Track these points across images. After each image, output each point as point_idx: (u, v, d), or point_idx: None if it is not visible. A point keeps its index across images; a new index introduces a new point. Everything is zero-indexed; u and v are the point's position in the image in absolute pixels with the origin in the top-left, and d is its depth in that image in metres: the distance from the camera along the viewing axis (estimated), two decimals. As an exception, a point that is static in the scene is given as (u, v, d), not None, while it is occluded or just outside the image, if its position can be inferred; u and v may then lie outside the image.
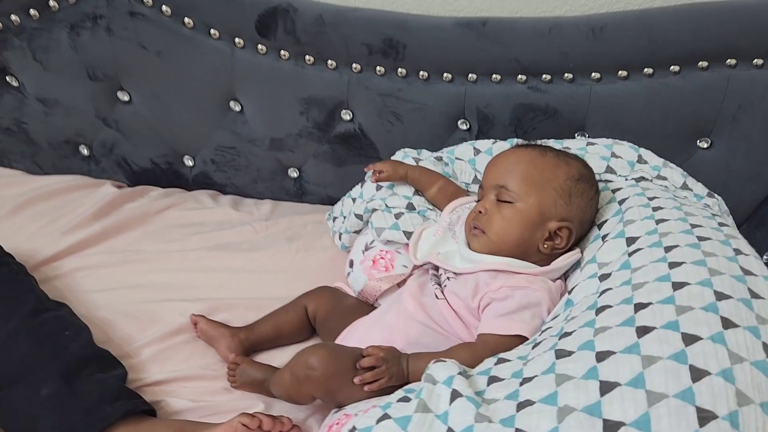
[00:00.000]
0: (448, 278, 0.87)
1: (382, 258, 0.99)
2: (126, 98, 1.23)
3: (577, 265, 0.85)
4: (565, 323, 0.71)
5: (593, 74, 1.06)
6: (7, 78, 1.23)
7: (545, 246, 0.84)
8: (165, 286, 1.05)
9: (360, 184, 1.10)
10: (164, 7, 1.12)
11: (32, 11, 1.15)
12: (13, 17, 1.16)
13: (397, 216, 0.99)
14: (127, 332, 0.97)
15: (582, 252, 0.86)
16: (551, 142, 1.04)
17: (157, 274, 1.07)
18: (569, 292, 0.79)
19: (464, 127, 1.14)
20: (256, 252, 1.12)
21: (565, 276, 0.87)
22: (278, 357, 0.94)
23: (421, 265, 0.93)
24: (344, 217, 1.10)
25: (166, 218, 1.20)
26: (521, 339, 0.78)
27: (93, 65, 1.19)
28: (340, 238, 1.10)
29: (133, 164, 1.31)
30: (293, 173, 1.28)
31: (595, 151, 1.02)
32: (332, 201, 1.28)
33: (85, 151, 1.31)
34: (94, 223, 1.17)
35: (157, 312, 0.99)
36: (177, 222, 1.19)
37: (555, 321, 0.75)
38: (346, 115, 1.17)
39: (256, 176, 1.29)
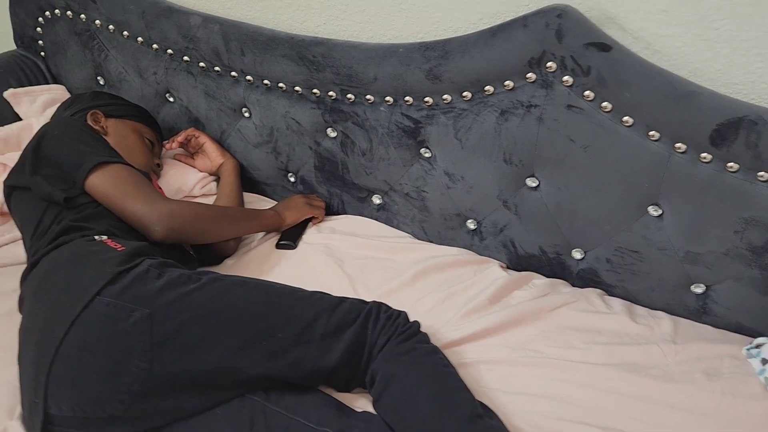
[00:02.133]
0: None
1: None
2: (534, 184, 1.20)
3: None
4: None
5: None
6: (422, 150, 1.28)
7: None
8: (570, 403, 0.98)
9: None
10: (604, 104, 1.06)
11: (465, 93, 1.18)
12: (446, 96, 1.20)
13: None
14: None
15: None
16: None
17: (560, 385, 1.01)
18: None
19: None
20: (669, 383, 1.00)
21: None
22: None
23: None
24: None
25: (561, 318, 1.14)
26: None
27: (511, 150, 1.18)
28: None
29: (520, 247, 1.28)
30: (697, 289, 1.14)
31: None
32: (740, 328, 1.12)
33: (472, 226, 1.32)
34: (490, 310, 1.15)
35: (564, 432, 0.93)
36: (573, 324, 1.12)
37: None
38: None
39: (654, 285, 1.17)
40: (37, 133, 1.17)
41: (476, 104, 1.18)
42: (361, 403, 1.00)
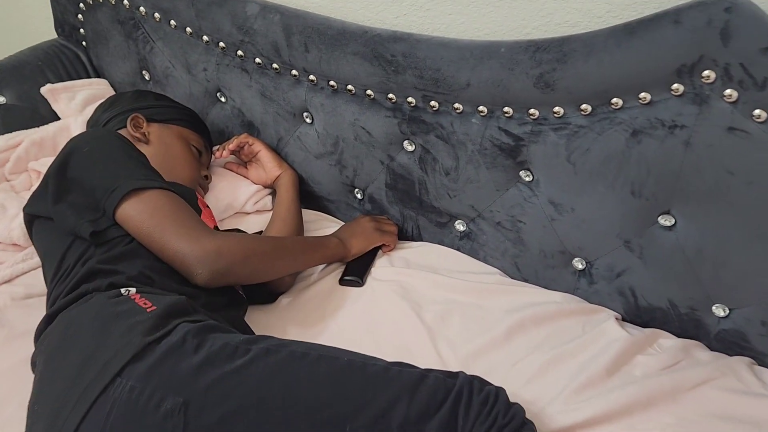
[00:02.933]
0: None
1: None
2: (668, 224, 0.94)
3: None
4: None
5: None
6: (522, 173, 1.04)
7: None
8: None
9: None
10: (782, 127, 0.80)
11: (584, 106, 0.93)
12: (558, 109, 0.95)
13: None
14: None
15: None
16: None
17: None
18: None
19: None
20: None
21: None
22: None
23: None
24: None
25: (703, 400, 0.88)
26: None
27: (642, 180, 0.93)
28: None
29: (641, 297, 1.03)
30: None
31: None
32: None
33: (579, 266, 1.07)
34: (608, 384, 0.91)
35: None
36: (720, 410, 0.86)
37: None
38: None
39: (828, 360, 0.91)
40: (63, 149, 0.99)
41: (599, 121, 0.93)
42: (447, 507, 0.78)
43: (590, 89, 0.91)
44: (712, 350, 0.99)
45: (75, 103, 1.44)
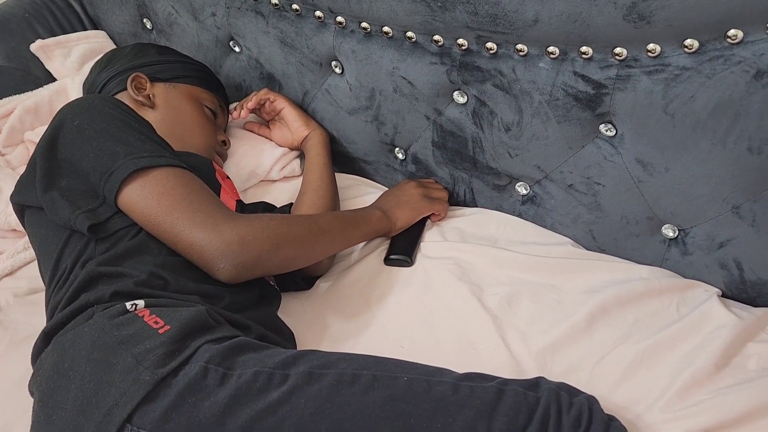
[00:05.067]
0: None
1: None
2: (793, 186, 0.76)
3: None
4: None
5: None
6: (603, 126, 0.85)
7: None
8: None
9: None
10: None
11: (689, 41, 0.73)
12: (653, 46, 0.75)
13: None
14: None
15: None
16: None
17: None
18: None
19: None
20: None
21: None
22: None
23: None
24: None
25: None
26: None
27: (761, 134, 0.74)
28: None
29: (749, 271, 0.86)
30: None
31: None
32: None
33: (670, 233, 0.90)
34: (719, 382, 0.75)
35: None
36: None
37: None
38: None
39: None
40: (51, 122, 0.82)
41: (709, 60, 0.73)
42: None
43: (700, 19, 0.71)
44: (837, 332, 0.83)
45: (71, 61, 1.27)
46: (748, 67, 0.71)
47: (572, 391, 0.68)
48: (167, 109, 1.00)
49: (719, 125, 0.76)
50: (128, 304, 0.66)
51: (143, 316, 0.65)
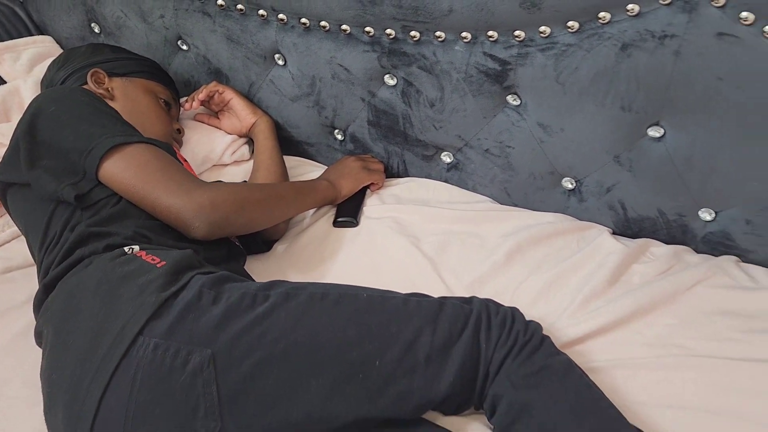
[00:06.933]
0: None
1: None
2: (657, 135, 0.96)
3: None
4: None
5: None
6: (509, 97, 1.03)
7: None
8: (744, 418, 0.78)
9: None
10: (768, 28, 0.81)
11: (571, 23, 0.92)
12: (544, 28, 0.94)
13: None
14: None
15: None
16: None
17: (726, 394, 0.81)
18: None
19: None
20: None
21: None
22: None
23: None
24: None
25: (700, 299, 0.93)
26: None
27: (632, 94, 0.94)
28: None
29: (631, 209, 1.06)
30: None
31: None
32: None
33: (569, 185, 1.09)
34: (611, 294, 0.94)
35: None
36: (717, 306, 0.91)
37: None
38: None
39: (810, 250, 0.96)
40: (27, 110, 0.92)
41: (587, 37, 0.92)
42: (475, 427, 0.81)
43: (577, 5, 0.90)
44: (698, 253, 1.04)
45: (20, 64, 1.34)
46: (616, 42, 0.91)
47: (498, 304, 0.85)
48: (126, 101, 1.10)
49: (599, 90, 0.95)
50: (126, 249, 0.78)
51: (141, 255, 0.76)
